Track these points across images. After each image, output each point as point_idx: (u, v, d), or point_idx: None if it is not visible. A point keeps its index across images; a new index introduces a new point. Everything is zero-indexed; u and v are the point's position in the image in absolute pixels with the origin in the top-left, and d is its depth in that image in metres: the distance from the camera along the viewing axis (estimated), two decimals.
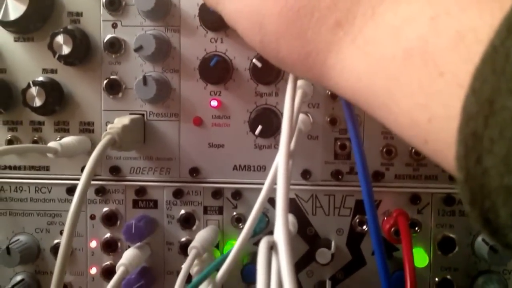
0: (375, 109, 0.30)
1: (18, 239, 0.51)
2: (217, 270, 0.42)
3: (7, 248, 0.50)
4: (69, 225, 0.42)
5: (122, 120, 0.47)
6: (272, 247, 0.36)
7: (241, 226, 0.50)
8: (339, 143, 0.49)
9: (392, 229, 0.47)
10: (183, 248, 0.51)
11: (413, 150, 0.49)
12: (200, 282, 0.42)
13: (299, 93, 0.43)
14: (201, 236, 0.48)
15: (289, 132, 0.36)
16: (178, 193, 0.51)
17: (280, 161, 0.34)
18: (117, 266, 0.47)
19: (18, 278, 0.52)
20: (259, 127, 0.48)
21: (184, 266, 0.45)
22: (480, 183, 0.20)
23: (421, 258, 0.49)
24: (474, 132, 0.19)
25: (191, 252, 0.46)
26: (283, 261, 0.31)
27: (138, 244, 0.50)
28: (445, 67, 0.22)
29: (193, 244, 0.47)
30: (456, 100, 0.21)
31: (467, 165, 0.20)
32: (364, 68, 0.29)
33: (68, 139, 0.49)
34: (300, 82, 0.43)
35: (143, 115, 0.51)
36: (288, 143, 0.36)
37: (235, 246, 0.41)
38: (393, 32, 0.26)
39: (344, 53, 0.30)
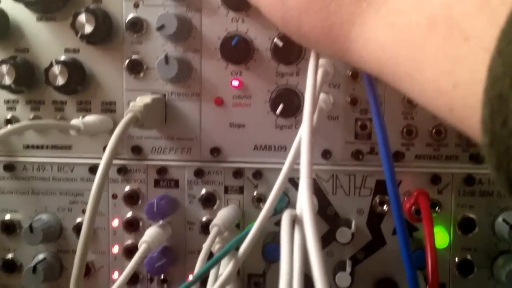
0: (400, 81, 0.30)
1: (41, 218, 0.52)
2: (237, 249, 0.42)
3: (30, 227, 0.50)
4: (92, 204, 0.43)
5: (144, 99, 0.48)
6: (294, 220, 0.36)
7: (262, 206, 0.50)
8: (359, 123, 0.49)
9: (413, 208, 0.47)
10: (204, 228, 0.51)
11: (434, 130, 0.49)
12: (221, 257, 0.42)
13: (320, 72, 0.43)
14: (223, 214, 0.48)
15: (313, 102, 0.37)
16: (199, 173, 0.51)
17: (303, 132, 0.34)
18: (139, 243, 0.48)
19: (41, 256, 0.52)
20: (281, 106, 0.48)
21: (206, 244, 0.46)
22: (506, 146, 0.20)
23: (441, 238, 0.49)
24: (500, 94, 0.19)
25: (213, 229, 0.47)
26: (308, 228, 0.31)
27: (160, 223, 0.51)
28: (470, 32, 0.22)
29: (214, 222, 0.47)
30: (481, 64, 0.21)
31: (493, 128, 0.20)
32: (388, 38, 0.29)
33: (91, 118, 0.50)
34: (321, 61, 0.43)
35: (164, 95, 0.51)
36: (312, 114, 0.36)
37: (256, 222, 0.42)
38: (417, 0, 0.26)
39: (368, 24, 0.30)
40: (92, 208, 0.43)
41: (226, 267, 0.42)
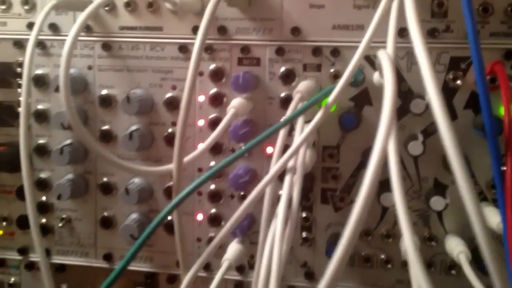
0: None
1: (135, 92, 0.57)
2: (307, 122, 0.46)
3: (127, 97, 0.55)
4: (189, 82, 0.47)
5: None
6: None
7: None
8: (436, 1, 0.52)
9: (488, 77, 0.49)
10: (284, 102, 0.55)
11: (509, 8, 0.50)
12: (309, 106, 0.46)
13: None
14: (304, 84, 0.52)
15: None
16: (279, 51, 0.55)
17: None
18: (227, 109, 0.53)
19: (134, 127, 0.58)
20: None
21: (290, 108, 0.50)
22: None
23: None
24: None
25: (296, 96, 0.50)
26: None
27: (244, 95, 0.55)
28: None
29: (298, 89, 0.51)
30: None
31: None
32: None
33: None
34: None
35: None
36: None
37: (338, 83, 0.46)
38: None
39: None
40: (190, 86, 0.47)
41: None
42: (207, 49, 0.56)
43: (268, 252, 0.43)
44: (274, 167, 0.45)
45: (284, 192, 0.45)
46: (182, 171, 0.50)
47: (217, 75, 0.56)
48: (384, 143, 0.33)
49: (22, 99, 0.55)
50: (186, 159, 0.50)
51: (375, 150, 0.32)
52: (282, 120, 0.46)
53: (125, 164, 0.50)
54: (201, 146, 0.53)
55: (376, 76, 0.52)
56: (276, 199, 0.49)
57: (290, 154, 0.45)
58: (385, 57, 0.38)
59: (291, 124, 0.51)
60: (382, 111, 0.34)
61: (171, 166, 0.48)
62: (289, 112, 0.49)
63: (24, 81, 0.55)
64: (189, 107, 0.48)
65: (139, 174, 0.57)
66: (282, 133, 0.49)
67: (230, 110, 0.52)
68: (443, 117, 0.35)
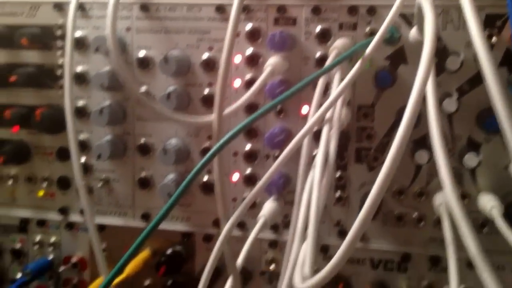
0: None
1: (173, 53, 0.58)
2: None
3: (165, 58, 0.57)
4: (228, 43, 0.48)
5: None
6: None
7: None
8: None
9: None
10: (319, 62, 0.56)
11: None
12: (343, 59, 0.47)
13: None
14: (341, 41, 0.53)
15: None
16: (315, 11, 0.56)
17: None
18: (264, 67, 0.54)
19: (171, 88, 0.59)
20: None
21: (327, 64, 0.51)
22: None
23: None
24: None
25: (333, 52, 0.51)
26: None
27: (280, 54, 0.56)
28: None
29: (334, 45, 0.52)
30: None
31: None
32: None
33: None
34: None
35: None
36: None
37: (374, 38, 0.46)
38: None
39: None
40: (228, 48, 0.49)
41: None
42: (244, 9, 0.57)
43: (307, 198, 0.44)
44: (312, 119, 0.46)
45: (321, 144, 0.46)
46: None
47: (253, 36, 0.57)
48: (424, 79, 0.34)
49: (65, 60, 0.57)
50: (225, 112, 0.51)
51: (415, 86, 0.33)
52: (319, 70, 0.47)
53: (171, 113, 0.53)
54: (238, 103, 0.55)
55: (412, 32, 0.53)
56: (311, 158, 0.50)
57: (327, 106, 0.46)
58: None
59: (326, 84, 0.52)
60: (422, 52, 0.35)
61: (212, 117, 0.49)
62: (328, 62, 0.50)
63: (67, 43, 0.56)
64: (230, 61, 0.49)
65: (182, 123, 0.58)
66: (318, 89, 0.51)
67: (267, 68, 0.53)
68: (488, 63, 0.35)
